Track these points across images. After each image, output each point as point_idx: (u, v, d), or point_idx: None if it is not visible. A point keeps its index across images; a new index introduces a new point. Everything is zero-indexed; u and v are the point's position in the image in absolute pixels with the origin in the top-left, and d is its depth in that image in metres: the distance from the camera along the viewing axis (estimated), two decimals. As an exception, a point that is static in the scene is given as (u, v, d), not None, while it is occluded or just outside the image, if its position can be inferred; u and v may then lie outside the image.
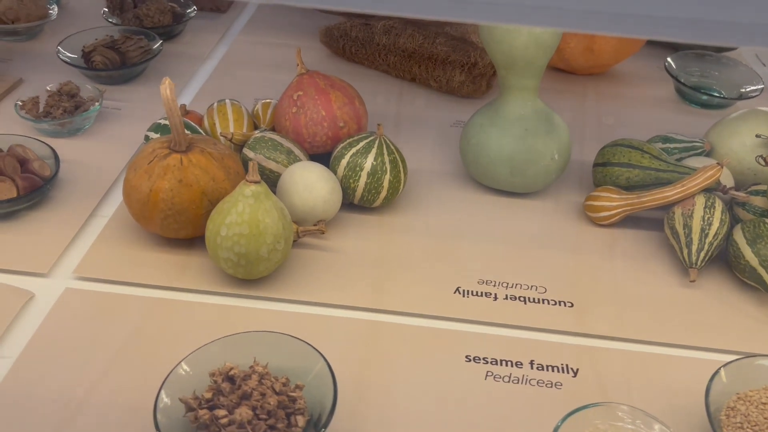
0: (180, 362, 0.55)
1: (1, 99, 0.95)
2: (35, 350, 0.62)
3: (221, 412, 0.53)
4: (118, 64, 0.98)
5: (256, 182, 0.66)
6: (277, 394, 0.55)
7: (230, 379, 0.55)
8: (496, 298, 0.70)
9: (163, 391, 0.54)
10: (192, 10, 1.14)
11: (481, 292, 0.71)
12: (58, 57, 0.99)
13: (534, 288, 0.72)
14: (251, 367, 0.56)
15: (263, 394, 0.54)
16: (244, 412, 0.52)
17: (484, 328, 0.68)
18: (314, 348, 0.57)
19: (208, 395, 0.54)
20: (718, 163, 0.75)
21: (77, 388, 0.59)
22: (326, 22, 1.16)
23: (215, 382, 0.55)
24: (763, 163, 0.75)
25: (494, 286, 0.72)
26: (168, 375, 0.55)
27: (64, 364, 0.61)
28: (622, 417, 0.54)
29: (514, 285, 0.72)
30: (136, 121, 0.92)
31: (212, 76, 1.05)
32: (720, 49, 1.16)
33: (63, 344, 0.63)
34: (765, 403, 0.57)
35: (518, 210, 0.83)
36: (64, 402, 0.58)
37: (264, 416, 0.53)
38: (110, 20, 1.11)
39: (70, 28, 1.07)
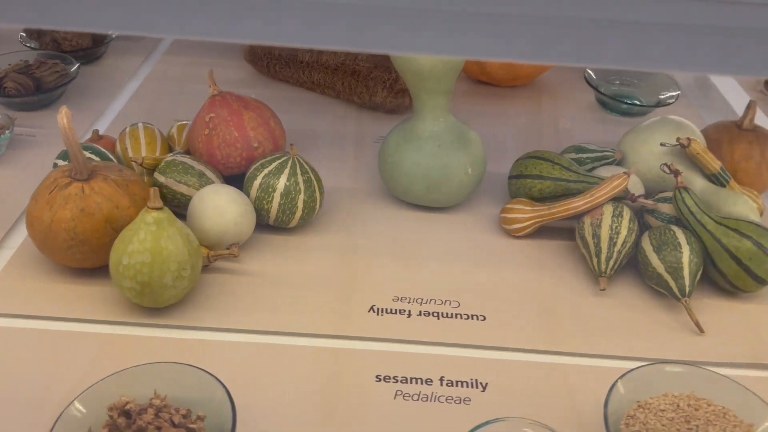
0: (73, 401, 0.54)
1: None
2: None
3: (115, 448, 0.52)
4: (31, 89, 0.96)
5: (158, 209, 0.65)
6: (175, 426, 0.54)
7: (126, 414, 0.54)
8: (410, 315, 0.71)
9: (57, 427, 0.52)
10: (113, 32, 1.12)
11: (396, 310, 0.71)
12: (-30, 84, 0.96)
13: (448, 303, 0.72)
14: (150, 400, 0.55)
15: (159, 428, 0.53)
16: (136, 448, 0.51)
17: (397, 346, 0.68)
18: (214, 377, 0.56)
19: (105, 431, 0.53)
20: (625, 173, 0.77)
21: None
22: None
23: (111, 417, 0.54)
24: (667, 170, 0.76)
25: (409, 302, 0.72)
26: (60, 415, 0.53)
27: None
28: (516, 428, 0.55)
29: (429, 301, 0.72)
30: (50, 148, 0.90)
31: (133, 98, 1.04)
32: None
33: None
34: (663, 410, 0.58)
35: (437, 225, 0.83)
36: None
37: (160, 450, 0.52)
38: (28, 45, 1.09)
39: (-15, 53, 1.05)
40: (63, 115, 0.65)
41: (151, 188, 0.65)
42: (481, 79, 1.12)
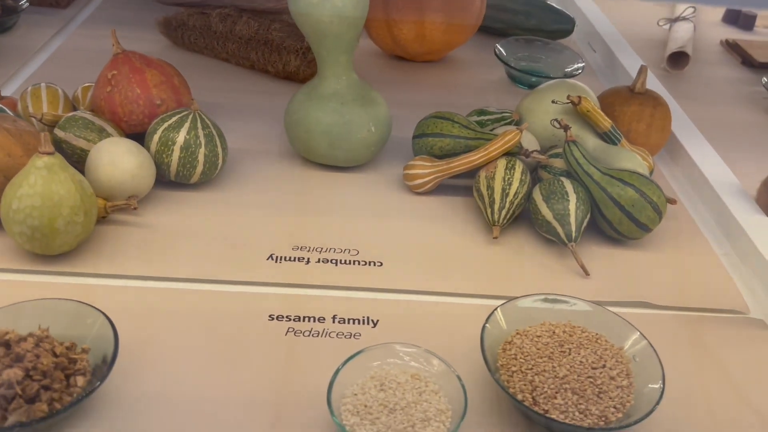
0: (-51, 331, 0.54)
1: None
2: None
3: (-9, 377, 0.51)
4: (-67, 53, 0.94)
5: (49, 153, 0.65)
6: (56, 356, 0.54)
7: (6, 345, 0.54)
8: (308, 262, 0.72)
9: (-73, 360, 0.52)
10: (24, 3, 1.11)
11: (295, 258, 0.72)
12: None
13: (347, 251, 0.74)
14: (30, 333, 0.55)
15: (38, 356, 0.53)
16: (12, 372, 0.51)
17: (293, 290, 0.69)
18: (94, 307, 0.56)
19: (-18, 362, 0.53)
20: (517, 129, 0.80)
21: None
22: (166, 13, 1.16)
23: (-10, 348, 0.54)
24: (557, 125, 0.80)
25: (308, 251, 0.73)
26: (-65, 344, 0.53)
27: None
28: (399, 353, 0.57)
29: (328, 249, 0.74)
30: (-49, 110, 0.88)
31: (42, 67, 1.03)
32: (553, 36, 1.24)
33: None
34: (539, 336, 0.60)
35: (341, 182, 0.85)
36: None
37: (38, 377, 0.52)
38: (-67, 13, 1.06)
39: None
40: (-51, 59, 0.64)
41: (42, 133, 0.65)
42: (396, 54, 1.15)
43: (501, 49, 1.14)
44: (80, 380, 0.53)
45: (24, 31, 1.12)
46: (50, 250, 0.66)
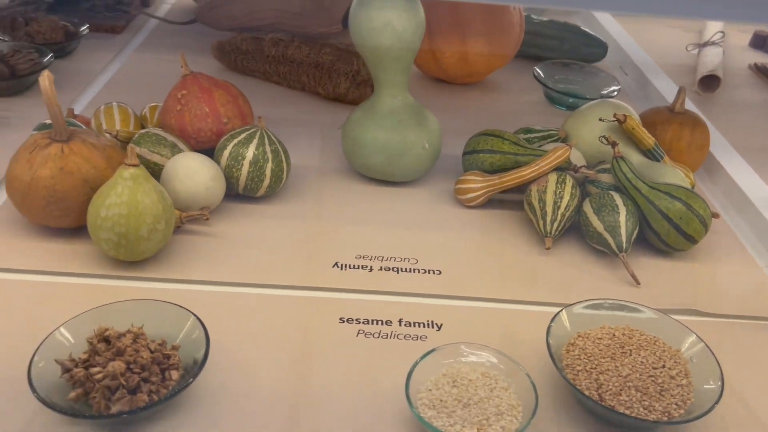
0: (58, 327, 0.58)
1: None
2: None
3: (96, 369, 0.55)
4: (6, 75, 0.99)
5: (134, 165, 0.69)
6: (152, 352, 0.58)
7: (106, 340, 0.58)
8: (371, 270, 0.76)
9: (37, 354, 0.56)
10: (85, 29, 1.17)
11: (358, 266, 0.76)
12: (-55, 70, 1.00)
13: (407, 260, 0.78)
14: (128, 330, 0.59)
15: (137, 350, 0.56)
16: (116, 365, 0.55)
17: (360, 295, 0.72)
18: (185, 308, 0.60)
19: (84, 356, 0.57)
20: (567, 145, 0.84)
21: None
22: (218, 39, 1.21)
23: (91, 344, 0.58)
24: (605, 142, 0.84)
25: (370, 260, 0.77)
26: (43, 340, 0.57)
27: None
28: (467, 353, 0.60)
29: (389, 258, 0.78)
30: (24, 128, 0.93)
31: (104, 88, 1.08)
32: (586, 60, 1.28)
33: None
34: (600, 338, 0.64)
35: (396, 197, 0.89)
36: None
37: (138, 370, 0.56)
38: (1, 38, 1.12)
39: (-41, 46, 1.08)
40: (45, 77, 0.69)
41: (129, 145, 0.69)
42: (437, 76, 1.20)
43: (539, 71, 1.18)
44: (174, 374, 0.57)
45: (84, 56, 1.17)
46: (133, 256, 0.70)
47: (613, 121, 0.87)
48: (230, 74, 1.16)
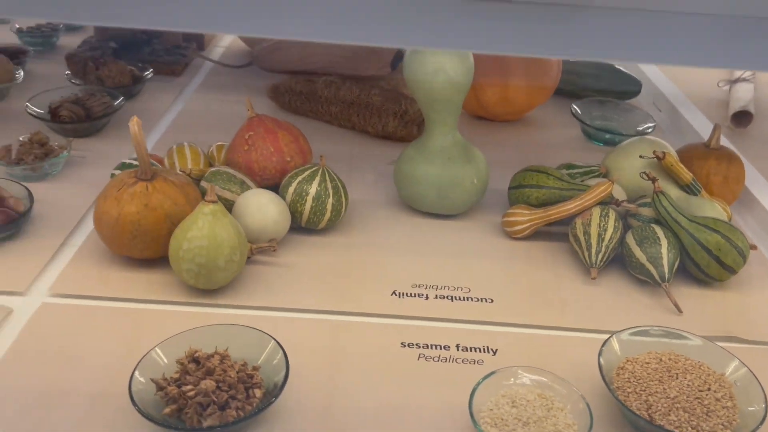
0: (154, 347, 0.64)
1: (-27, 150, 1.04)
2: (17, 353, 0.69)
3: (188, 387, 0.61)
4: (83, 117, 1.08)
5: (213, 202, 0.76)
6: (237, 372, 0.63)
7: (195, 361, 0.64)
8: (427, 298, 0.81)
9: (137, 371, 0.62)
10: (149, 73, 1.26)
11: (415, 294, 0.81)
12: (27, 112, 1.08)
13: (460, 289, 0.83)
14: (215, 351, 0.65)
15: (224, 370, 0.62)
16: (208, 383, 0.60)
17: (417, 322, 0.78)
18: (265, 333, 0.66)
19: (176, 375, 0.63)
20: (609, 180, 0.89)
21: (54, 384, 0.66)
22: (271, 80, 1.29)
23: (182, 364, 0.64)
24: (646, 177, 0.89)
25: (426, 288, 0.82)
26: (141, 359, 0.63)
27: (45, 363, 0.68)
28: (524, 375, 0.65)
29: (443, 287, 0.83)
30: (100, 166, 1.01)
31: (170, 128, 1.16)
32: (621, 98, 1.34)
33: (41, 348, 0.70)
34: (648, 363, 0.68)
35: (446, 229, 0.94)
36: (48, 395, 0.65)
37: (225, 388, 0.61)
38: (74, 81, 1.21)
39: (35, 89, 1.17)
40: (134, 123, 0.76)
41: (209, 184, 0.76)
42: (479, 114, 1.26)
43: (577, 108, 1.24)
44: (258, 392, 0.63)
45: (148, 97, 1.26)
46: (210, 285, 0.77)
47: (653, 158, 0.92)
48: (284, 113, 1.23)
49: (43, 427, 0.62)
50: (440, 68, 0.87)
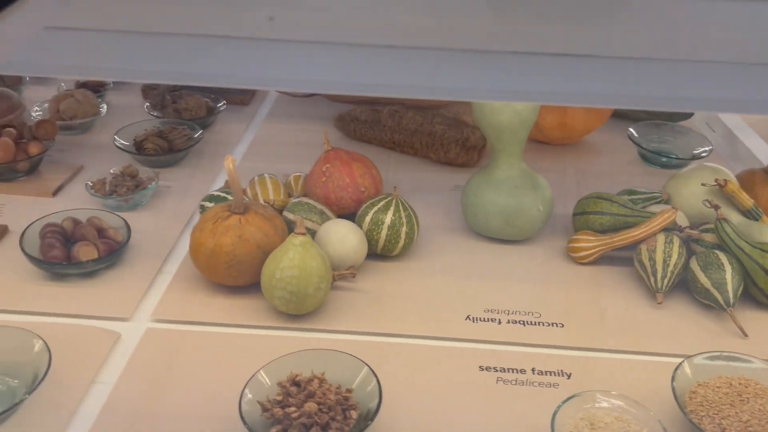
0: (259, 370, 0.70)
1: (68, 182, 1.12)
2: (129, 376, 0.76)
3: (291, 409, 0.67)
4: (166, 150, 1.15)
5: (302, 234, 0.82)
6: (334, 394, 0.69)
7: (296, 384, 0.69)
8: (500, 323, 0.86)
9: (247, 395, 0.68)
10: (222, 104, 1.33)
11: (488, 318, 0.86)
12: (114, 145, 1.16)
13: (531, 314, 0.87)
14: (312, 374, 0.70)
15: (324, 393, 0.68)
16: (311, 406, 0.66)
17: (492, 346, 0.82)
18: (359, 359, 0.71)
19: (279, 398, 0.68)
20: (673, 208, 0.92)
21: (166, 405, 0.73)
22: (336, 108, 1.35)
23: (284, 387, 0.69)
24: (709, 205, 0.92)
25: (498, 313, 0.87)
26: (248, 382, 0.69)
27: (155, 385, 0.75)
28: (601, 399, 0.69)
29: (515, 312, 0.87)
30: (185, 196, 1.08)
31: (244, 157, 1.23)
32: (675, 119, 1.36)
33: (151, 371, 0.77)
34: (719, 387, 0.71)
35: (513, 254, 0.99)
36: (163, 415, 0.71)
37: (326, 410, 0.67)
38: (152, 113, 1.29)
39: (116, 122, 1.25)
40: (230, 161, 0.83)
41: (298, 217, 0.82)
42: (537, 139, 1.30)
43: (634, 132, 1.27)
44: (354, 414, 0.68)
45: (221, 127, 1.33)
46: (300, 310, 0.83)
47: (714, 185, 0.95)
48: (349, 141, 1.29)
49: (159, 444, 0.69)
50: (507, 102, 0.92)
